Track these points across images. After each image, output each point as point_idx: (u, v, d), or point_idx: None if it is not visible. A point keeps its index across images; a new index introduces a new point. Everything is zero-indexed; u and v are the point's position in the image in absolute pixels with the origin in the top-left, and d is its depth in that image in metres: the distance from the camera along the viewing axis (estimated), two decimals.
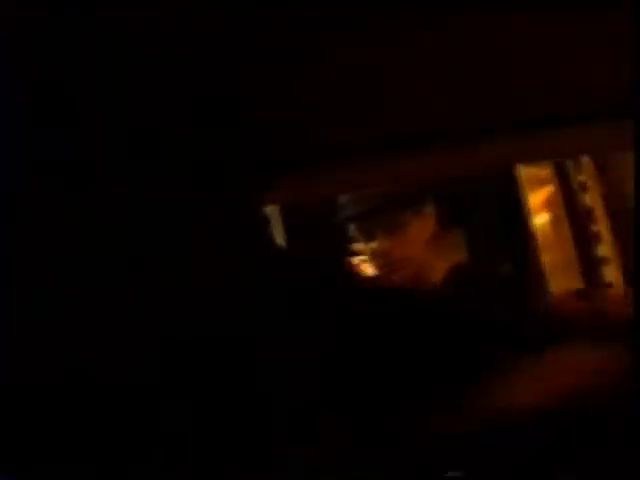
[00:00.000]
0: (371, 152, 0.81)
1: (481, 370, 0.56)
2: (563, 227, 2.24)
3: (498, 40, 0.78)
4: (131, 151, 0.65)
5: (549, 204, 2.26)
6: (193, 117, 0.71)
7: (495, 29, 0.77)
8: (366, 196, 1.97)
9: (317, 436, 0.58)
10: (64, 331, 0.58)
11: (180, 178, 0.68)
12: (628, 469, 0.57)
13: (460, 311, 0.71)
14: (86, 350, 0.58)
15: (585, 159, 2.16)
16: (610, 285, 2.15)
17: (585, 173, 2.18)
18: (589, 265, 2.19)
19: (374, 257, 2.02)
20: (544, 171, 2.23)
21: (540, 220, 2.27)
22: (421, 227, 2.05)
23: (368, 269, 2.00)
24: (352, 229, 2.06)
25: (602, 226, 2.17)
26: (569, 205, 2.21)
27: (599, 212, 2.16)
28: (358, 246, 2.05)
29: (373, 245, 2.01)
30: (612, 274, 2.15)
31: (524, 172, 2.25)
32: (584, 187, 2.20)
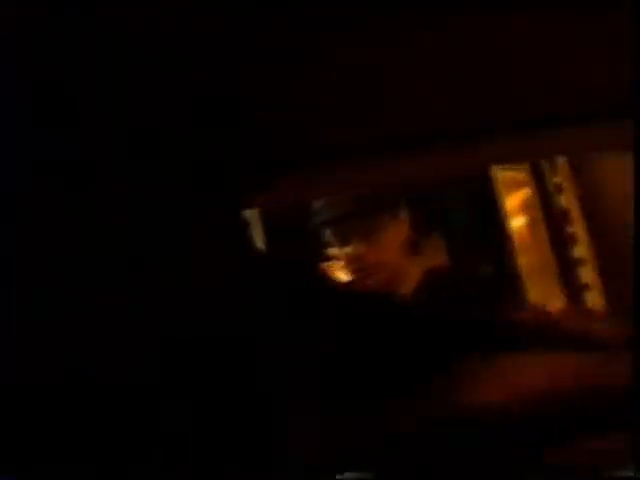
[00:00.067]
0: (371, 152, 0.81)
1: (449, 370, 0.56)
2: (539, 229, 2.24)
3: (498, 40, 0.78)
4: (131, 151, 0.65)
5: (525, 206, 2.26)
6: (193, 117, 0.71)
7: (495, 29, 0.77)
8: (341, 201, 1.97)
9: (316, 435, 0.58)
10: (64, 331, 0.58)
11: (180, 178, 0.68)
12: (590, 469, 0.57)
13: (429, 314, 0.71)
14: (86, 350, 0.58)
15: (560, 160, 2.16)
16: (587, 286, 2.15)
17: (560, 175, 2.19)
18: (565, 267, 2.20)
19: (349, 262, 2.02)
20: (520, 174, 2.24)
21: (516, 222, 2.28)
22: (395, 231, 2.05)
23: (342, 274, 2.00)
24: (327, 234, 2.06)
25: (578, 227, 2.17)
26: (545, 207, 2.21)
27: (575, 213, 2.16)
28: (333, 251, 2.05)
29: (347, 250, 2.01)
30: (588, 275, 2.15)
31: (500, 175, 2.26)
32: (560, 189, 2.20)
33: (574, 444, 0.56)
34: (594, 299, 2.14)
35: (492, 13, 0.75)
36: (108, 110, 0.65)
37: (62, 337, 0.58)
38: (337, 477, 0.55)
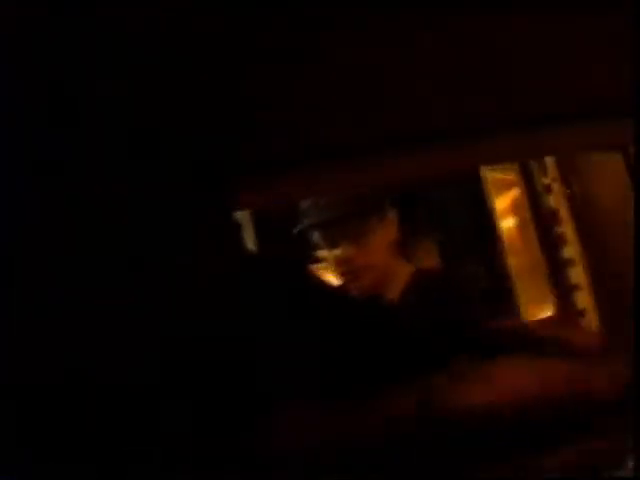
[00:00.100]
0: (371, 152, 0.81)
1: (432, 373, 0.57)
2: (529, 230, 2.24)
3: (498, 40, 0.78)
4: (131, 151, 0.65)
5: (515, 207, 2.26)
6: (193, 117, 0.71)
7: (495, 29, 0.77)
8: (328, 203, 1.97)
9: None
10: (64, 331, 0.58)
11: (180, 178, 0.68)
12: (590, 469, 0.57)
13: (415, 318, 0.71)
14: (86, 350, 0.58)
15: (549, 161, 2.16)
16: (576, 287, 2.15)
17: (550, 175, 2.19)
18: (555, 267, 2.20)
19: (337, 264, 2.01)
20: (509, 175, 2.24)
21: (506, 223, 2.28)
22: (384, 233, 2.05)
23: (331, 276, 2.00)
24: (315, 236, 2.05)
25: (567, 228, 2.17)
26: (534, 208, 2.22)
27: (564, 214, 2.16)
28: (321, 253, 2.05)
29: (336, 252, 2.00)
30: (578, 276, 2.15)
31: (489, 176, 2.26)
32: (549, 189, 2.20)
33: (565, 446, 0.56)
34: (584, 299, 2.15)
35: (492, 13, 0.75)
36: (108, 110, 0.65)
37: (62, 337, 0.58)
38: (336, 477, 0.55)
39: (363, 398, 0.56)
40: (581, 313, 2.21)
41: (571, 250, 2.20)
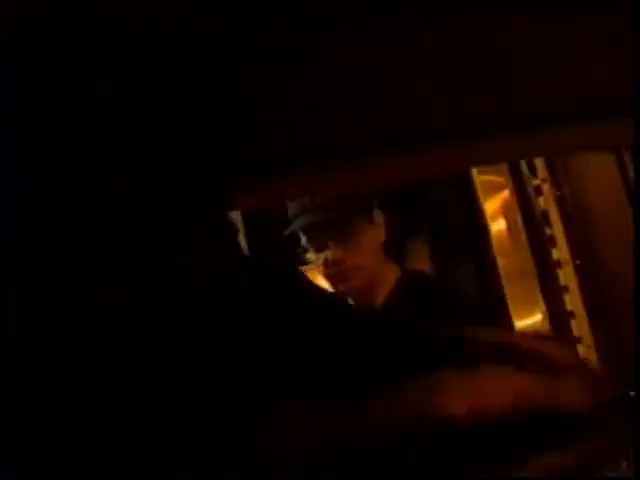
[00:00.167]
0: (371, 152, 0.81)
1: (402, 381, 0.56)
2: (519, 232, 2.25)
3: (498, 40, 0.78)
4: (131, 151, 0.65)
5: (504, 209, 2.27)
6: (193, 117, 0.71)
7: (495, 29, 0.77)
8: (317, 206, 1.97)
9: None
10: (64, 331, 0.58)
11: (180, 178, 0.68)
12: (589, 469, 0.57)
13: (396, 324, 0.71)
14: (86, 350, 0.58)
15: (539, 162, 2.17)
16: (566, 288, 2.15)
17: (539, 176, 2.20)
18: (545, 269, 2.21)
19: (325, 266, 2.02)
20: (499, 177, 2.25)
21: (496, 225, 2.29)
22: (372, 235, 2.06)
23: (319, 278, 2.01)
24: (303, 239, 2.06)
25: (557, 230, 2.18)
26: (524, 210, 2.22)
27: (554, 216, 2.17)
28: (310, 256, 2.06)
29: (324, 254, 2.01)
30: (568, 277, 2.16)
31: (479, 178, 2.27)
32: (539, 191, 2.21)
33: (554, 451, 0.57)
34: (573, 301, 2.15)
35: (492, 13, 0.75)
36: (108, 110, 0.65)
37: (62, 337, 0.58)
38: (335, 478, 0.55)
39: (363, 398, 0.56)
40: (571, 314, 2.22)
41: (561, 252, 2.21)
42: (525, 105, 0.84)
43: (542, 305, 2.25)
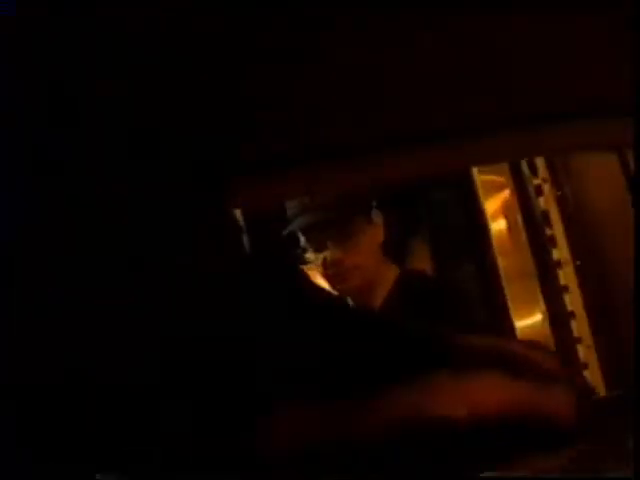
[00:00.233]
0: (371, 152, 0.81)
1: (411, 383, 0.56)
2: (519, 232, 2.25)
3: (498, 40, 0.78)
4: (131, 151, 0.65)
5: (505, 209, 2.27)
6: (193, 117, 0.71)
7: (495, 29, 0.77)
8: (316, 206, 1.97)
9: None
10: (64, 331, 0.58)
11: (180, 178, 0.68)
12: (590, 469, 0.57)
13: (392, 325, 0.71)
14: (86, 350, 0.58)
15: (540, 162, 2.17)
16: (566, 288, 2.15)
17: (540, 176, 2.19)
18: (545, 269, 2.21)
19: (324, 266, 2.02)
20: (500, 177, 2.25)
21: (497, 225, 2.29)
22: (371, 235, 2.06)
23: (318, 278, 2.01)
24: (302, 239, 2.06)
25: (557, 230, 2.18)
26: (524, 209, 2.22)
27: (554, 216, 2.17)
28: (309, 256, 2.06)
29: (323, 254, 2.01)
30: (568, 277, 2.16)
31: (480, 178, 2.27)
32: (539, 191, 2.21)
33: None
34: (573, 301, 2.15)
35: (492, 13, 0.75)
36: (108, 110, 0.65)
37: (62, 337, 0.58)
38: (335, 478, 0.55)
39: (363, 398, 0.56)
40: (571, 314, 2.22)
41: (561, 252, 2.21)
42: (525, 105, 0.84)
43: (542, 305, 2.25)
